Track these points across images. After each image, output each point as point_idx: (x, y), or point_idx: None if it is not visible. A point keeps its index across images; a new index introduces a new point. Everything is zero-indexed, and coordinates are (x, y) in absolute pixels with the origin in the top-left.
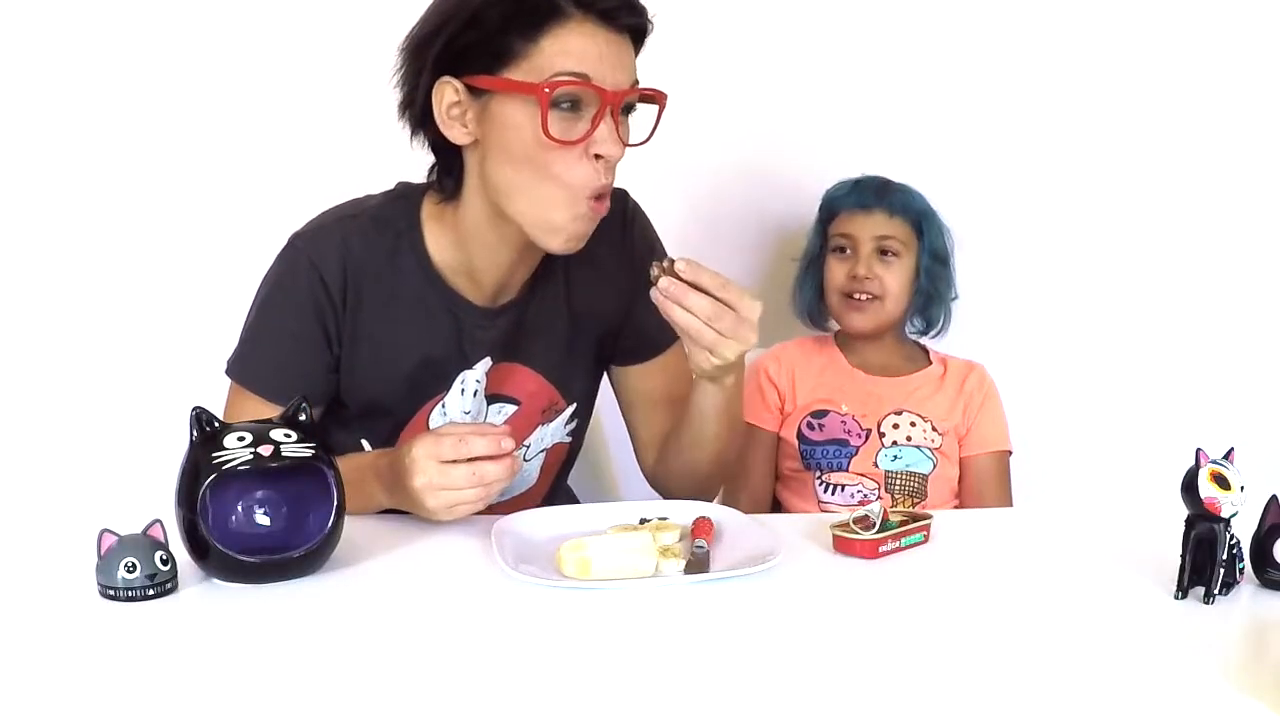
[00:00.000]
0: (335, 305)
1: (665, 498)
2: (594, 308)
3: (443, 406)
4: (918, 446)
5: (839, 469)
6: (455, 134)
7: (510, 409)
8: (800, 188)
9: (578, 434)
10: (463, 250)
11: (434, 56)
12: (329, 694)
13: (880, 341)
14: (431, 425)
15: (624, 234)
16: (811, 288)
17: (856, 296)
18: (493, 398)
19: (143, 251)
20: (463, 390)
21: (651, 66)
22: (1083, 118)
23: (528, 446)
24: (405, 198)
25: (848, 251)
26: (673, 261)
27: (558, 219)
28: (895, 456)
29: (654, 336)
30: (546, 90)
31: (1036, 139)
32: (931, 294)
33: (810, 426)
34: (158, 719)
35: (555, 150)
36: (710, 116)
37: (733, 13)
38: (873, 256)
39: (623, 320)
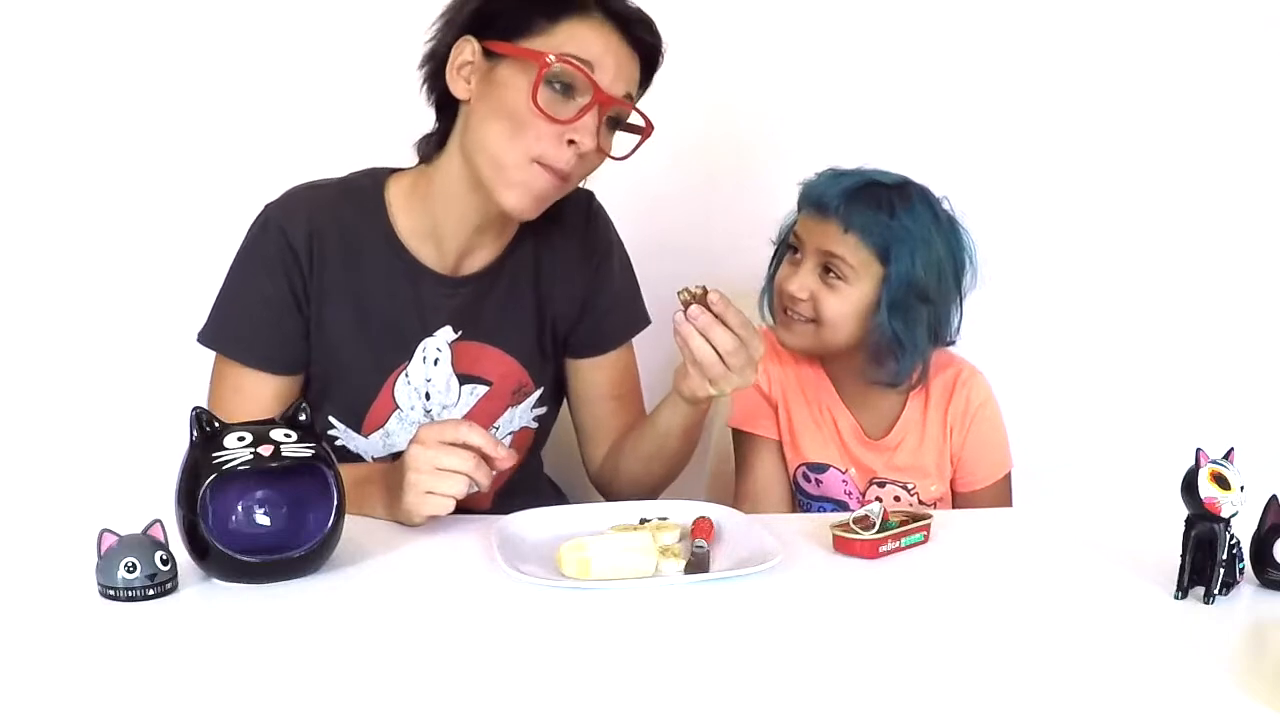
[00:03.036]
0: (302, 267)
1: (605, 496)
2: (556, 296)
3: (406, 376)
4: None
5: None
6: (459, 88)
7: (483, 389)
8: (791, 183)
9: (544, 421)
10: (429, 214)
11: (466, 16)
12: (329, 694)
13: (841, 364)
14: (397, 395)
15: (586, 229)
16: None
17: (789, 313)
18: (465, 378)
19: (143, 252)
20: (424, 358)
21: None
22: (1082, 115)
23: (497, 428)
24: (372, 175)
25: (798, 254)
26: (704, 289)
27: (508, 178)
28: None
29: (608, 333)
30: (549, 61)
31: (1032, 134)
32: (900, 338)
33: (807, 479)
34: (157, 719)
35: (536, 119)
36: (700, 105)
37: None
38: (814, 273)
39: (580, 312)
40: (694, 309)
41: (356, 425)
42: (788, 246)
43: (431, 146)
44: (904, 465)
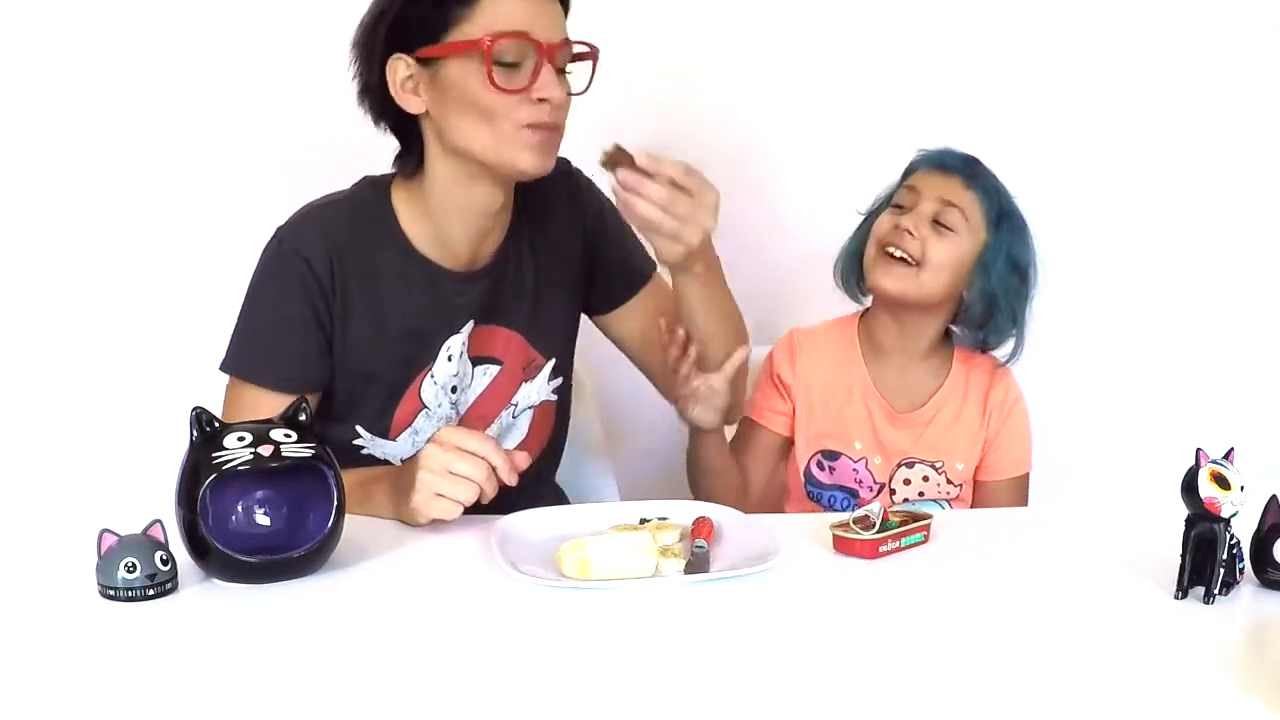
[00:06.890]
0: (323, 287)
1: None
2: (554, 261)
3: (432, 376)
4: (932, 500)
5: (848, 510)
6: (411, 105)
7: (494, 369)
8: (811, 185)
9: (563, 391)
10: (434, 222)
11: (383, 38)
12: (329, 694)
13: (907, 330)
14: (423, 395)
15: (571, 196)
16: (856, 242)
17: (891, 251)
18: (477, 360)
19: (142, 253)
20: (449, 356)
21: (653, 39)
22: (1085, 125)
23: (515, 404)
24: (375, 185)
25: (905, 208)
26: (617, 146)
27: (513, 149)
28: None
29: (627, 276)
30: (488, 43)
31: (1032, 144)
32: (997, 302)
33: (820, 466)
34: (157, 719)
35: (501, 97)
36: (715, 103)
37: None
38: (926, 217)
39: (589, 268)
40: (622, 173)
41: (384, 431)
42: (895, 205)
43: (411, 164)
44: (934, 441)
